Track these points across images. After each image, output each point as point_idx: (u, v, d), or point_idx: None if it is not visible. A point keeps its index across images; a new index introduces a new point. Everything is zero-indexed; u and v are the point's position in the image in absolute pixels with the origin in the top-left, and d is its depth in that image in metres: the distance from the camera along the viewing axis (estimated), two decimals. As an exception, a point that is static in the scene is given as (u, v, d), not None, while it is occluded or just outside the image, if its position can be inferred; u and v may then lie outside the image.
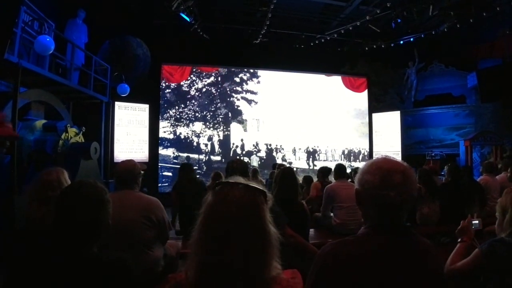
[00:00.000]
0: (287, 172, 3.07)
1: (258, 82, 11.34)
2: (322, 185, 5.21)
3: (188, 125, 10.70)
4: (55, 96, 5.97)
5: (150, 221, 2.37)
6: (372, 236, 1.21)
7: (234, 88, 11.15)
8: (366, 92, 12.34)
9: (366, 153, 12.21)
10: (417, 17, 9.10)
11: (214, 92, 10.97)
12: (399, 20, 9.17)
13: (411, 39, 10.46)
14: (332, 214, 4.27)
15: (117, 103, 8.85)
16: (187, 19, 7.88)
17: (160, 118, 10.30)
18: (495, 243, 1.69)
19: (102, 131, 7.44)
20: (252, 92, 11.31)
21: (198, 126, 10.80)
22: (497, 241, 1.72)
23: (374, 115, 12.21)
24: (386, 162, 1.22)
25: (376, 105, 12.28)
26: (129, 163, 2.54)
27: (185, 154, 10.52)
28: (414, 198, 1.22)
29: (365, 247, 1.18)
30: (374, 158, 1.30)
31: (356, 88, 12.20)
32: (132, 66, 8.23)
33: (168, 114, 10.51)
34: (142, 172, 2.64)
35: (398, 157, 11.23)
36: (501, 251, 1.63)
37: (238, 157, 10.15)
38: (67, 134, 5.62)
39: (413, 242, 1.23)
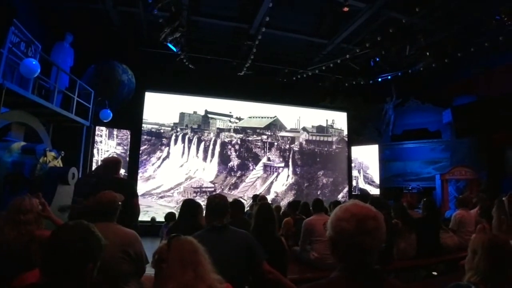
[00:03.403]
0: (263, 208, 3.22)
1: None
2: (294, 220, 5.25)
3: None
4: (36, 118, 5.88)
5: (128, 255, 2.34)
6: (345, 280, 1.26)
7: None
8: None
9: (345, 186, 12.41)
10: (394, 56, 9.51)
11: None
12: (377, 59, 9.58)
13: (389, 77, 10.89)
14: (309, 247, 4.29)
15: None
16: (174, 49, 8.01)
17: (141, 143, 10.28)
18: None
19: (82, 155, 7.30)
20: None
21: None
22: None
23: (354, 148, 12.52)
24: (359, 208, 1.29)
25: (355, 138, 12.61)
26: (109, 195, 2.51)
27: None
28: (383, 241, 1.28)
29: None
30: (345, 204, 1.36)
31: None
32: (116, 91, 8.23)
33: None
34: (120, 203, 2.63)
35: (376, 190, 11.49)
36: None
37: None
38: (45, 158, 5.52)
39: (385, 286, 1.29)
